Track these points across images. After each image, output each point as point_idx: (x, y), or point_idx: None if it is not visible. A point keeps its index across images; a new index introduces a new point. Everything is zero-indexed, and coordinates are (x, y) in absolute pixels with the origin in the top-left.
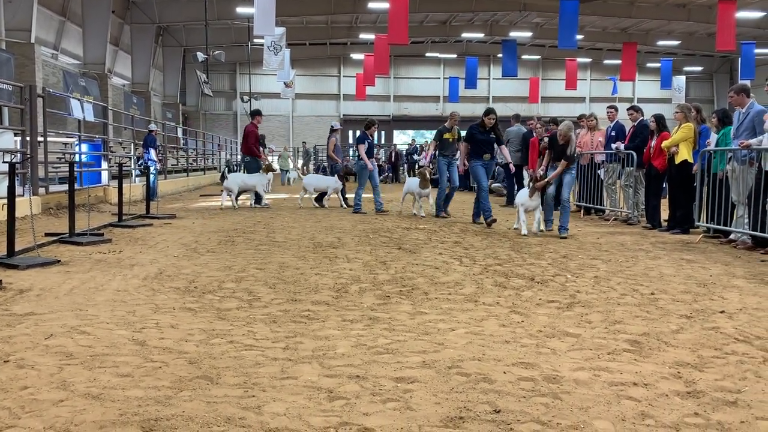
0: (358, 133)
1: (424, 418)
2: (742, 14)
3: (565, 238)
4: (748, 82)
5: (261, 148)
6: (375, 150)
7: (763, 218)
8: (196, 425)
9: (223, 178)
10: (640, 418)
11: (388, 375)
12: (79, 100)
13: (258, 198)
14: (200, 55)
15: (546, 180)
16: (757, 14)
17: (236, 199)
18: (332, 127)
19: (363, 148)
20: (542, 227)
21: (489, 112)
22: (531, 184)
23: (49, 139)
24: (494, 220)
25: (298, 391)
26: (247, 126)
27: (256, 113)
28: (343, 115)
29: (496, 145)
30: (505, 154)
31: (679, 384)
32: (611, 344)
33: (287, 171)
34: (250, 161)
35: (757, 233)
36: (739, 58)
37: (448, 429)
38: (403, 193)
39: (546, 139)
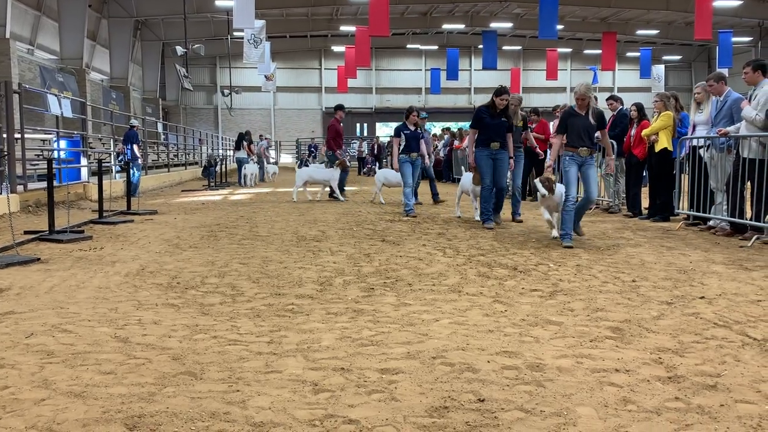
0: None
1: (409, 409)
2: (720, 3)
3: (570, 247)
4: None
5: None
6: (420, 142)
7: (742, 205)
8: (180, 421)
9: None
10: (622, 403)
11: (372, 367)
12: (56, 95)
13: (332, 191)
14: (179, 49)
15: (548, 172)
16: (734, 3)
17: (297, 192)
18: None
19: (397, 143)
20: (556, 233)
21: (501, 91)
22: (539, 181)
23: (26, 135)
24: (491, 228)
25: (283, 384)
26: (331, 120)
27: (338, 108)
28: (325, 108)
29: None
30: (530, 138)
31: (660, 369)
32: (593, 331)
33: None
34: (332, 155)
35: (736, 219)
36: (717, 47)
37: (433, 419)
38: (458, 193)
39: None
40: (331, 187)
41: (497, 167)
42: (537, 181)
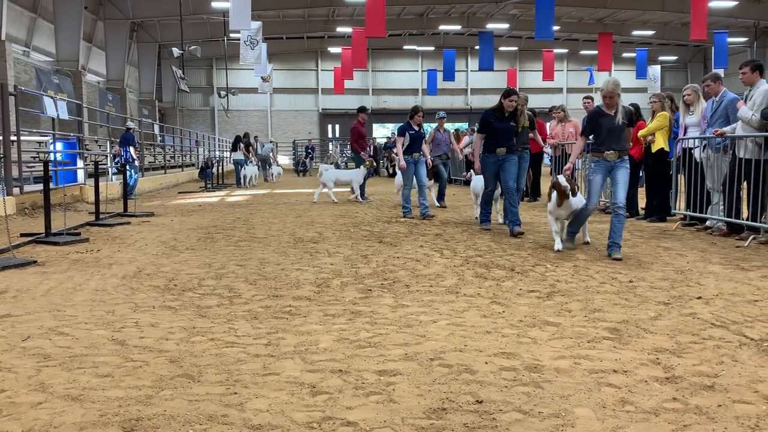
0: (337, 128)
1: (407, 411)
2: (715, 4)
3: (619, 259)
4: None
5: (246, 146)
6: (423, 142)
7: (738, 205)
8: (177, 424)
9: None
10: (620, 404)
11: (370, 368)
12: (52, 97)
13: (360, 192)
14: (176, 51)
15: (565, 175)
16: (729, 3)
17: (328, 193)
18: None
19: (401, 142)
20: (587, 238)
21: (509, 92)
22: (553, 190)
23: (22, 138)
24: (489, 229)
25: (281, 386)
26: (353, 123)
27: (360, 110)
28: (322, 109)
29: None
30: (538, 138)
31: (658, 370)
32: (591, 332)
33: (271, 166)
34: (356, 157)
35: (732, 220)
36: (713, 48)
37: (431, 421)
38: (473, 196)
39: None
40: (352, 188)
41: (506, 169)
42: (561, 176)
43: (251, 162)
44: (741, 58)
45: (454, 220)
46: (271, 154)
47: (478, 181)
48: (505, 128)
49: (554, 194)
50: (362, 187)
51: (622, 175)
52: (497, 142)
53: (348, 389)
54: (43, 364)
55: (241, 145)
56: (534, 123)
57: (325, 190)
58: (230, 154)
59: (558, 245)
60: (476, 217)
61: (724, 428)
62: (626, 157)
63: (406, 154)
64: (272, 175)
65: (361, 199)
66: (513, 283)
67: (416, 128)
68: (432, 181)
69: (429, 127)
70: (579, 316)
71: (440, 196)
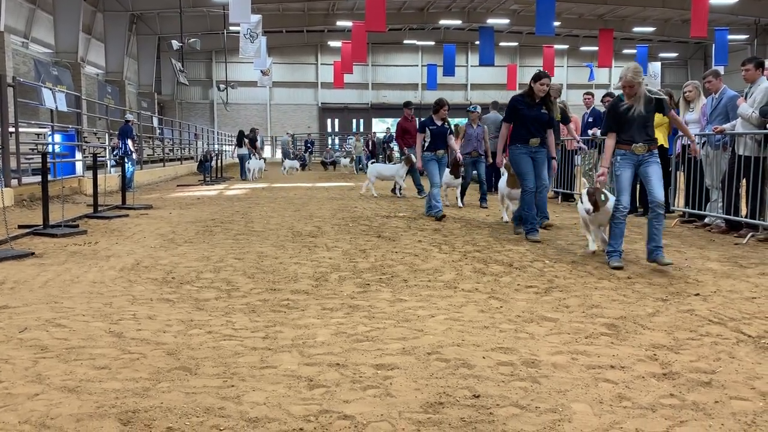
0: (336, 122)
1: (404, 405)
2: (716, 1)
3: (669, 263)
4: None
5: (252, 141)
6: (450, 137)
7: (737, 202)
8: (174, 416)
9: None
10: (617, 400)
11: (368, 362)
12: (51, 89)
13: (399, 187)
14: (175, 44)
15: (601, 182)
16: (730, 0)
17: (369, 187)
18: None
19: (420, 138)
20: (594, 246)
21: (541, 75)
22: (586, 193)
23: (20, 129)
24: (538, 241)
25: (278, 380)
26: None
27: (405, 105)
28: (322, 103)
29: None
30: (572, 132)
31: (655, 366)
32: (589, 328)
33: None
34: (400, 151)
35: (731, 217)
36: (713, 45)
37: (428, 414)
38: (500, 197)
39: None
40: (396, 182)
41: (538, 162)
42: (584, 193)
43: (256, 157)
44: (741, 56)
45: (453, 216)
46: (289, 146)
47: (503, 182)
48: (535, 116)
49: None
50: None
51: (655, 171)
52: (528, 132)
53: (345, 383)
54: (40, 356)
55: (246, 140)
56: (567, 116)
57: (370, 185)
58: (234, 149)
59: (592, 246)
60: (505, 221)
61: (721, 424)
62: (656, 151)
63: (428, 151)
64: (284, 168)
65: (398, 194)
66: (511, 278)
67: (439, 123)
68: (459, 180)
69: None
70: (577, 311)
71: (463, 194)
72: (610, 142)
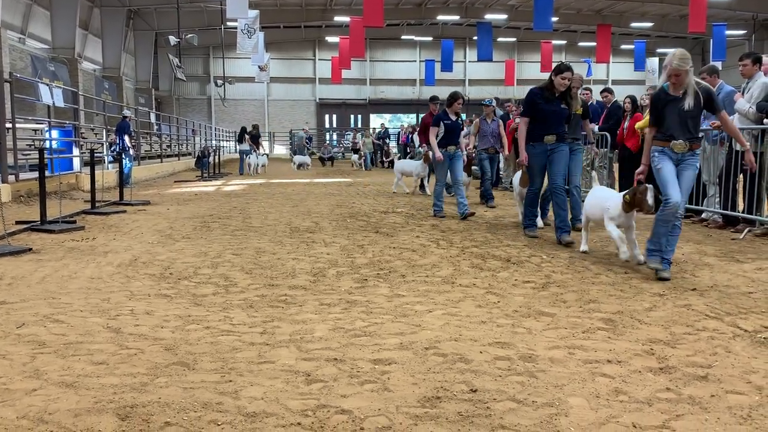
0: (334, 117)
1: (402, 399)
2: None
3: (666, 279)
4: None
5: (256, 137)
6: (463, 133)
7: (734, 197)
8: (172, 411)
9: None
10: (614, 394)
11: (365, 357)
12: (48, 85)
13: (422, 185)
14: (172, 39)
15: (640, 183)
16: None
17: (400, 185)
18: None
19: (434, 132)
20: (640, 257)
21: (563, 68)
22: (628, 196)
23: (18, 125)
24: (535, 236)
25: (276, 375)
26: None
27: (431, 99)
28: (319, 98)
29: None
30: (587, 130)
31: (652, 360)
32: (586, 323)
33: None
34: (421, 148)
35: (728, 212)
36: (711, 40)
37: (425, 409)
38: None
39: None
40: (422, 179)
41: (555, 161)
42: (649, 190)
43: (256, 152)
44: (739, 51)
45: (451, 212)
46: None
47: (517, 179)
48: (554, 111)
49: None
50: (422, 180)
51: (688, 177)
52: (545, 128)
53: (343, 378)
54: (37, 351)
55: (247, 136)
56: (588, 112)
57: (400, 183)
58: (237, 145)
59: (624, 253)
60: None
61: (717, 418)
62: (698, 152)
63: (439, 147)
64: (294, 164)
65: (420, 191)
66: (509, 273)
67: (453, 118)
68: (470, 177)
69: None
70: (574, 306)
71: (486, 196)
72: (650, 136)
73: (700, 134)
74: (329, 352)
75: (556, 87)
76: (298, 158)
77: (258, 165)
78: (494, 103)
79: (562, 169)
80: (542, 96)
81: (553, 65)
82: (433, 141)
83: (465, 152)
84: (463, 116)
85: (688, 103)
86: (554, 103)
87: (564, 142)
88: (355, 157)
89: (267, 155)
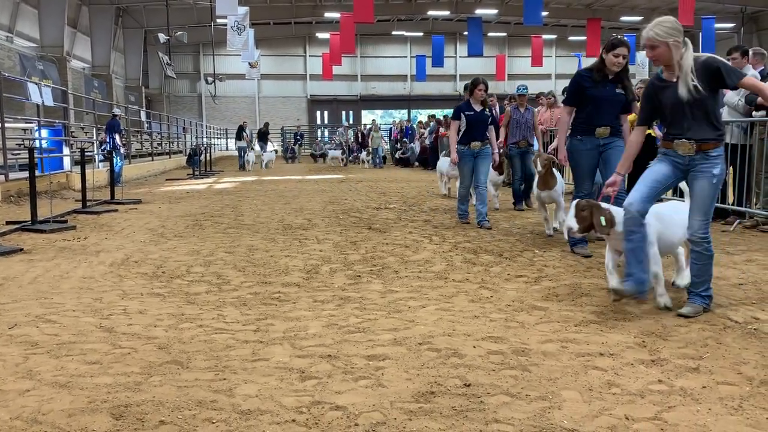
0: (326, 114)
1: (396, 395)
2: None
3: (688, 316)
4: None
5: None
6: (489, 128)
7: (724, 190)
8: (167, 410)
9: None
10: (606, 386)
11: (359, 353)
12: (37, 84)
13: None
14: (162, 37)
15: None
16: None
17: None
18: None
19: (455, 127)
20: (680, 281)
21: (616, 43)
22: (574, 206)
23: (6, 125)
24: (587, 255)
25: (270, 372)
26: None
27: (465, 88)
28: (311, 95)
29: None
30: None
31: (644, 353)
32: (578, 316)
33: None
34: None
35: (719, 204)
36: (700, 33)
37: (419, 404)
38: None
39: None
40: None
41: (609, 160)
42: (573, 205)
43: (253, 149)
44: (728, 44)
45: (443, 207)
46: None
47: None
48: (608, 96)
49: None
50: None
51: (700, 189)
52: (597, 118)
53: (337, 374)
54: (30, 352)
55: (245, 134)
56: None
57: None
58: (235, 142)
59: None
60: (548, 234)
61: (708, 409)
62: (714, 154)
63: (461, 144)
64: (329, 157)
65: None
66: (501, 268)
67: (477, 108)
68: (502, 176)
69: (417, 115)
70: (566, 300)
71: (517, 197)
72: (633, 137)
73: (719, 129)
74: (323, 348)
75: (609, 67)
76: (332, 152)
77: (265, 162)
78: (528, 91)
79: (591, 172)
80: (591, 78)
81: (544, 60)
82: (452, 138)
83: (497, 149)
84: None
85: (682, 89)
86: (607, 87)
87: (619, 136)
88: (362, 154)
89: (276, 151)
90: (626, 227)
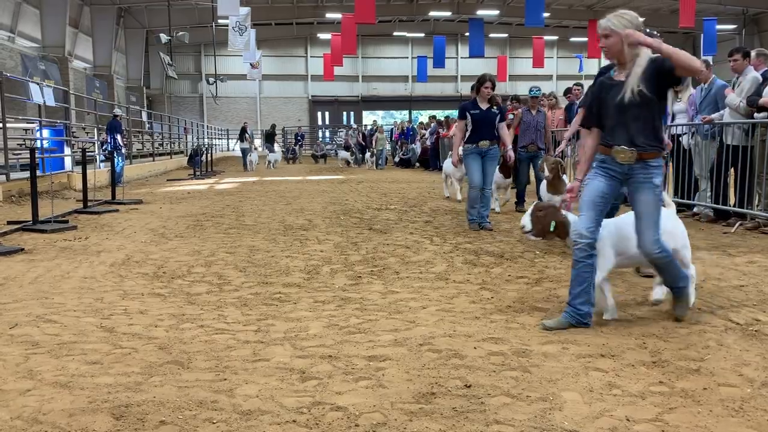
0: (327, 115)
1: (397, 395)
2: None
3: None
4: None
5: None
6: (500, 125)
7: (725, 192)
8: (167, 410)
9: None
10: (607, 388)
11: (360, 354)
12: (38, 84)
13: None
14: (163, 37)
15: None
16: None
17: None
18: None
19: (461, 127)
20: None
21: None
22: (531, 210)
23: (8, 125)
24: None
25: (271, 372)
26: None
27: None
28: (312, 96)
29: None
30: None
31: (645, 354)
32: None
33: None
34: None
35: (719, 206)
36: (702, 35)
37: (420, 405)
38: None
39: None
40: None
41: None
42: (529, 211)
43: (256, 150)
44: (729, 46)
45: (444, 208)
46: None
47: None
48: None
49: None
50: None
51: (642, 203)
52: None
53: (337, 375)
54: (31, 352)
55: (247, 135)
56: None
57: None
58: (238, 143)
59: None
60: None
61: (710, 411)
62: (654, 164)
63: (468, 143)
64: (341, 159)
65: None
66: (502, 269)
67: (483, 107)
68: (510, 179)
69: (418, 116)
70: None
71: (518, 199)
72: (588, 140)
73: (665, 137)
74: (324, 349)
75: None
76: (342, 153)
77: (272, 162)
78: (542, 93)
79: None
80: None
81: (545, 61)
82: (456, 139)
83: (506, 149)
84: (455, 113)
85: (625, 91)
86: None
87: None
88: (366, 155)
89: (284, 152)
90: (574, 256)
